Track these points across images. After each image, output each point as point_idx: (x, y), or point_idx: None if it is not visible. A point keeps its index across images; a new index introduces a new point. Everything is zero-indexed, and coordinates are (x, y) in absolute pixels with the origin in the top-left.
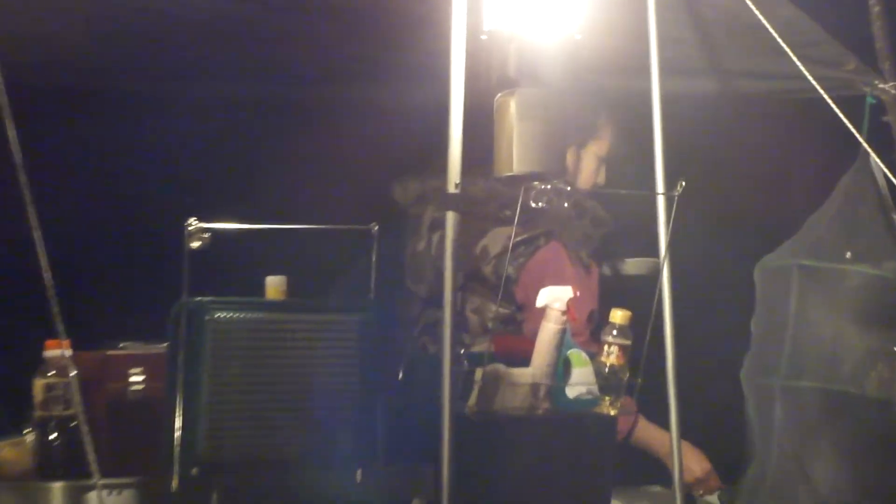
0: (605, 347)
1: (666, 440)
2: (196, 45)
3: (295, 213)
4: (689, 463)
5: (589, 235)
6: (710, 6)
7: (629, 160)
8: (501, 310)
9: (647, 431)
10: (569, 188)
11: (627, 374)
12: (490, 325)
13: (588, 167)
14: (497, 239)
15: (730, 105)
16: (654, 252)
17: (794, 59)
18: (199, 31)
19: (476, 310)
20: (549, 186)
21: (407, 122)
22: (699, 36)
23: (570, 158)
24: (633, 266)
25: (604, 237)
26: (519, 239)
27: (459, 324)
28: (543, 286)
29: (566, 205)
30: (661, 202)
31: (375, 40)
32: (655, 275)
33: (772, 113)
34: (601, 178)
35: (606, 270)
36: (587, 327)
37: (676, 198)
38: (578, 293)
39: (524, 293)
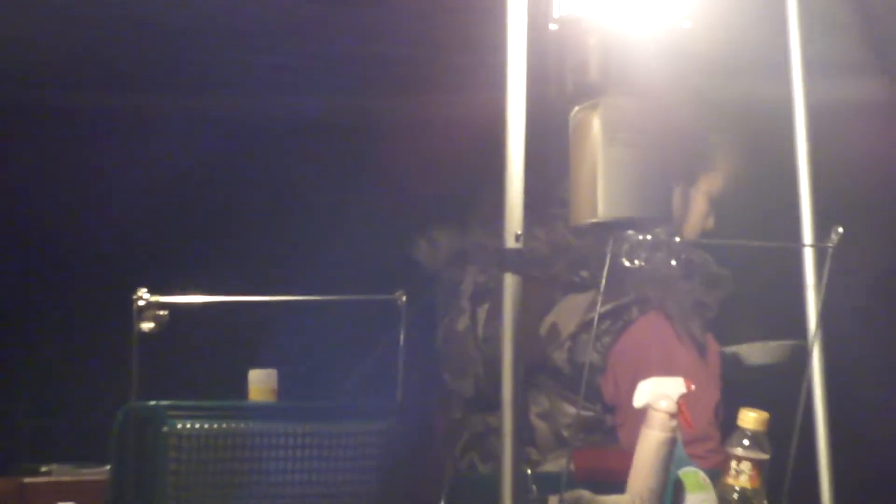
0: (734, 464)
1: None
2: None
3: (289, 281)
4: None
5: (702, 301)
6: None
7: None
8: (583, 412)
9: None
10: (678, 239)
11: (765, 502)
12: (567, 434)
13: (698, 210)
14: (570, 312)
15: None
16: (785, 329)
17: None
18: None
19: (545, 414)
20: (649, 237)
21: (443, 149)
22: (861, 21)
23: (675, 198)
24: (758, 352)
25: (722, 304)
26: (603, 310)
27: (523, 434)
28: (642, 376)
29: (673, 262)
30: (808, 256)
31: (390, 31)
32: (788, 363)
33: None
34: (710, 224)
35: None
36: (712, 429)
37: (830, 250)
38: (693, 386)
39: (614, 387)
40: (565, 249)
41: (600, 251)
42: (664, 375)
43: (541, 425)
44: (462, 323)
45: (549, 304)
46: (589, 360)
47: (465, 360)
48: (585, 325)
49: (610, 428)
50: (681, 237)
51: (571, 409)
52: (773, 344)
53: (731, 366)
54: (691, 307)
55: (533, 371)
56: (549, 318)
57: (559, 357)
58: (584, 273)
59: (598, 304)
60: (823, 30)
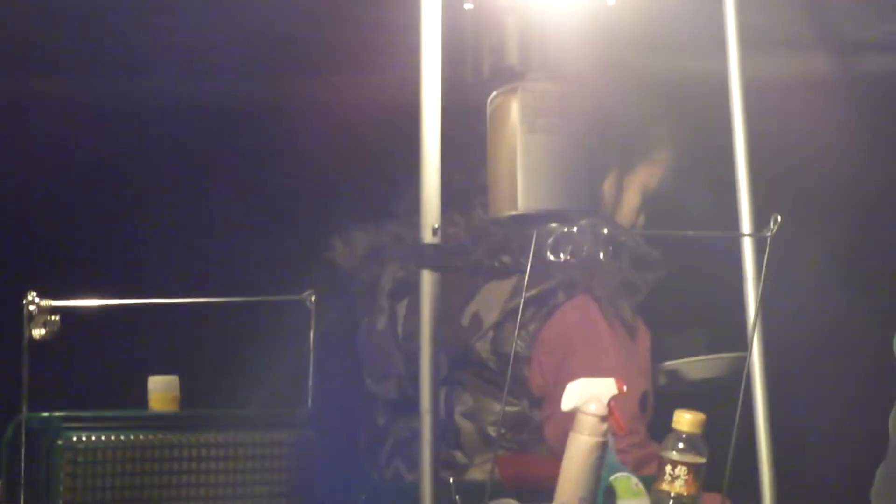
0: (668, 469)
1: None
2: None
3: (191, 282)
4: None
5: (631, 282)
6: None
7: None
8: (507, 408)
9: None
10: (606, 230)
11: None
12: (493, 433)
13: (631, 202)
14: (493, 300)
15: (845, 95)
16: (729, 335)
17: None
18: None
19: (470, 413)
20: (574, 230)
21: (353, 138)
22: None
23: (607, 186)
24: (699, 367)
25: (655, 286)
26: (527, 296)
27: (447, 437)
28: (568, 363)
29: (602, 256)
30: (747, 246)
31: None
32: (730, 377)
33: None
34: (641, 220)
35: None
36: (637, 422)
37: (769, 239)
38: (625, 386)
39: (542, 378)
40: (485, 235)
41: (521, 235)
42: (591, 362)
43: (466, 425)
44: (381, 322)
45: (471, 292)
46: (513, 351)
47: (386, 361)
48: (509, 314)
49: (537, 424)
50: (613, 227)
51: (497, 406)
52: (714, 357)
53: (674, 381)
54: (620, 288)
55: (456, 366)
56: (471, 308)
57: (482, 348)
58: (506, 258)
59: (524, 291)
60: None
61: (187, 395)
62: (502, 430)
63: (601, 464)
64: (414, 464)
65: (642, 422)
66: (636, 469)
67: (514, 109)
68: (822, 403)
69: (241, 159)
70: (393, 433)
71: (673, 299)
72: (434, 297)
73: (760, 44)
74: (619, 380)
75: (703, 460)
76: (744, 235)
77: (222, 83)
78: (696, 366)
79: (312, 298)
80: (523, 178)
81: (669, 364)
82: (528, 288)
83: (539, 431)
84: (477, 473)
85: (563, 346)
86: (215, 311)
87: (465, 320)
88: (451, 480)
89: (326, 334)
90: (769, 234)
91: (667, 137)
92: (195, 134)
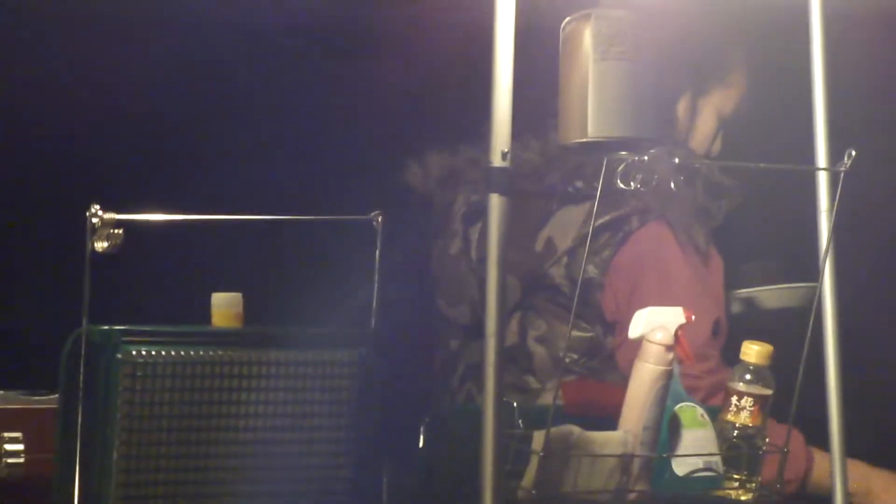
0: (734, 400)
1: (861, 473)
2: None
3: (253, 200)
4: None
5: (706, 208)
6: None
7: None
8: (579, 334)
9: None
10: (677, 159)
11: (766, 439)
12: (567, 359)
13: (706, 127)
14: (567, 225)
15: None
16: (804, 266)
17: None
18: None
19: (542, 338)
20: (645, 158)
21: (423, 62)
22: None
23: (681, 110)
24: (773, 297)
25: (730, 213)
26: (602, 222)
27: (521, 361)
28: (642, 289)
29: (672, 186)
30: (822, 181)
31: None
32: (805, 306)
33: None
34: (717, 146)
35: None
36: (710, 348)
37: (843, 174)
38: (693, 315)
39: (615, 304)
40: (559, 160)
41: (595, 162)
42: (663, 288)
43: (539, 350)
44: (455, 246)
45: (545, 217)
46: (585, 276)
47: (460, 286)
48: (583, 239)
49: (611, 351)
50: (685, 156)
51: (574, 334)
52: (789, 287)
53: (748, 309)
54: (694, 215)
55: (530, 291)
56: (545, 233)
57: (557, 273)
58: (580, 184)
59: (593, 218)
60: None
61: (251, 313)
62: (574, 356)
63: (666, 393)
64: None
65: (715, 348)
66: (708, 396)
67: (587, 36)
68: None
69: (314, 79)
70: (465, 357)
71: (749, 227)
72: (502, 222)
73: None
74: (689, 309)
75: (769, 392)
76: (818, 169)
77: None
78: (770, 294)
79: (380, 219)
80: (594, 105)
81: (744, 292)
82: (602, 214)
83: (612, 358)
84: (549, 398)
85: (636, 272)
86: (282, 229)
87: (539, 245)
88: (515, 405)
89: (399, 257)
90: (843, 168)
91: (741, 61)
92: (264, 53)
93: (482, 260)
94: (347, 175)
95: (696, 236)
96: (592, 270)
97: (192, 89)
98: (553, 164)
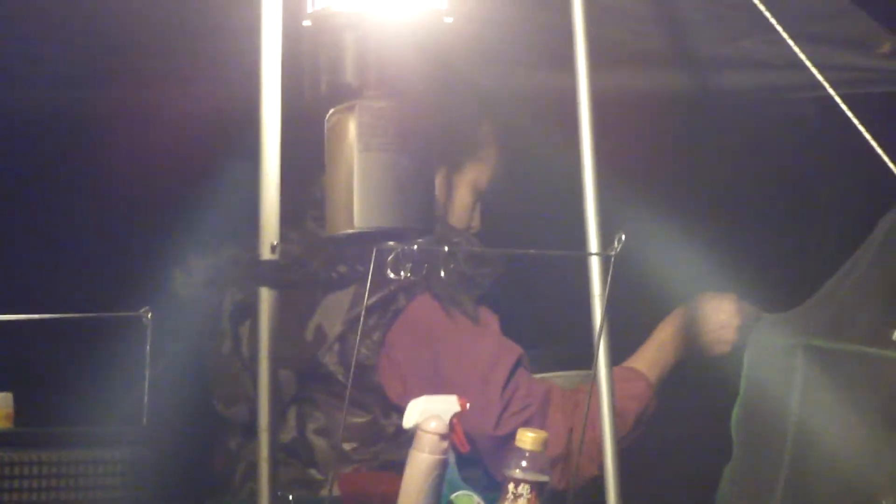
0: (511, 488)
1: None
2: None
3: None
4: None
5: (469, 277)
6: None
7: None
8: (357, 420)
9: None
10: (446, 247)
11: None
12: (348, 448)
13: (463, 202)
14: (334, 311)
15: (695, 108)
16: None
17: (787, 38)
18: None
19: (322, 430)
20: (415, 248)
21: (188, 155)
22: (654, 5)
23: (437, 187)
24: (564, 382)
25: (494, 280)
26: (369, 303)
27: (302, 454)
28: (417, 366)
29: (442, 274)
30: (594, 266)
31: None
32: None
33: (769, 117)
34: (476, 220)
35: None
36: (523, 376)
37: (613, 258)
38: (483, 364)
39: (392, 384)
40: (320, 247)
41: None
42: (445, 356)
43: (319, 442)
44: (226, 346)
45: (312, 306)
46: (358, 359)
47: (234, 385)
48: (353, 323)
49: (392, 434)
50: (454, 241)
51: (351, 420)
52: (576, 374)
53: None
54: (458, 284)
55: (305, 382)
56: (314, 321)
57: (330, 361)
58: (342, 268)
59: (365, 297)
60: (609, 16)
61: (22, 412)
62: (354, 444)
63: (442, 481)
64: None
65: (527, 376)
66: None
67: (351, 127)
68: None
69: (75, 172)
70: (245, 456)
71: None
72: (272, 315)
73: (608, 58)
74: (477, 367)
75: (545, 479)
76: (590, 254)
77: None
78: (562, 380)
79: (149, 315)
80: (360, 196)
81: (537, 377)
82: (370, 295)
83: (393, 441)
84: (333, 490)
85: (412, 347)
86: (52, 327)
87: (309, 335)
88: (291, 498)
89: (173, 355)
90: (614, 252)
91: (493, 136)
92: (23, 144)
93: (254, 357)
94: (118, 273)
95: (462, 303)
96: (365, 353)
97: None
98: (314, 252)
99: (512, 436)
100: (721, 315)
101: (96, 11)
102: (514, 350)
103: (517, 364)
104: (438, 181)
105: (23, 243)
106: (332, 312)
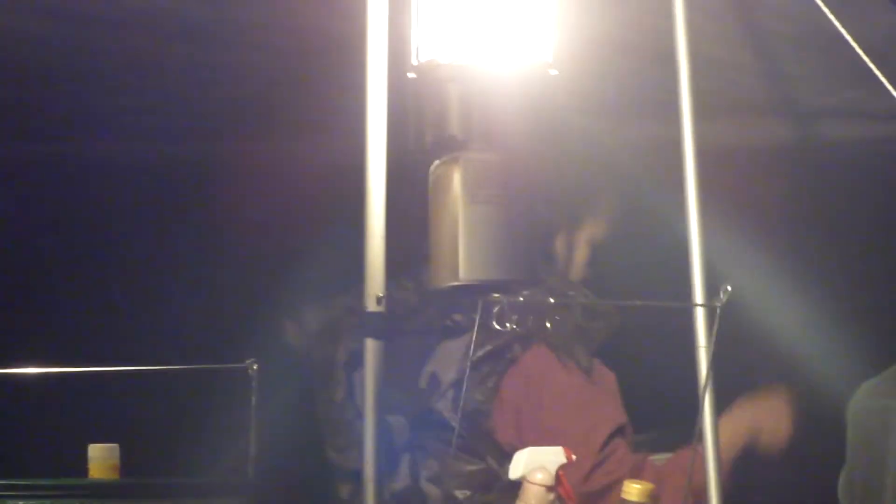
0: None
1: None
2: None
3: (128, 352)
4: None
5: (584, 329)
6: (776, 16)
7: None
8: (471, 467)
9: None
10: (552, 300)
11: None
12: (461, 496)
13: (581, 257)
14: (448, 358)
15: (801, 159)
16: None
17: (891, 88)
18: None
19: (435, 477)
20: (521, 299)
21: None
22: (756, 57)
23: (559, 246)
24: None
25: (610, 334)
26: (484, 352)
27: (414, 503)
28: (528, 414)
29: (548, 325)
30: (699, 317)
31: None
32: None
33: (870, 167)
34: (586, 272)
35: None
36: (620, 447)
37: (719, 309)
38: (587, 422)
39: (504, 431)
40: (435, 296)
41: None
42: (552, 407)
43: (432, 490)
44: (339, 394)
45: (426, 353)
46: (471, 405)
47: (347, 431)
48: (464, 369)
49: (507, 483)
50: (560, 292)
51: (463, 468)
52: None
53: None
54: (573, 336)
55: (419, 430)
56: (428, 369)
57: (443, 408)
58: (458, 316)
59: (470, 354)
60: (716, 69)
61: (128, 464)
62: (467, 492)
63: None
64: None
65: (623, 447)
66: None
67: (456, 179)
68: None
69: (189, 231)
70: (357, 503)
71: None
72: (377, 366)
73: (714, 109)
74: (581, 423)
75: None
76: (695, 305)
77: (170, 146)
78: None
79: (255, 367)
80: (465, 248)
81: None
82: (483, 344)
83: (510, 489)
84: None
85: (525, 396)
86: (158, 379)
87: (423, 382)
88: None
89: (279, 405)
90: (719, 304)
91: (610, 188)
92: (136, 201)
93: None
94: (225, 326)
95: (577, 355)
96: (479, 399)
97: (61, 242)
98: (429, 301)
99: (598, 494)
100: (770, 420)
101: (208, 63)
102: (621, 415)
103: (619, 430)
104: (560, 240)
105: (136, 296)
106: (447, 359)
